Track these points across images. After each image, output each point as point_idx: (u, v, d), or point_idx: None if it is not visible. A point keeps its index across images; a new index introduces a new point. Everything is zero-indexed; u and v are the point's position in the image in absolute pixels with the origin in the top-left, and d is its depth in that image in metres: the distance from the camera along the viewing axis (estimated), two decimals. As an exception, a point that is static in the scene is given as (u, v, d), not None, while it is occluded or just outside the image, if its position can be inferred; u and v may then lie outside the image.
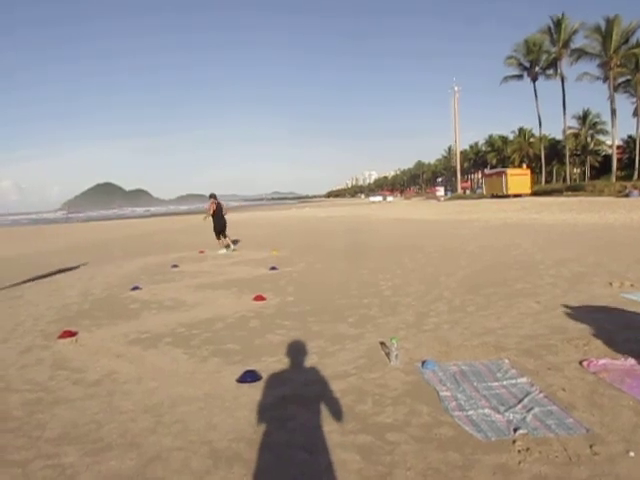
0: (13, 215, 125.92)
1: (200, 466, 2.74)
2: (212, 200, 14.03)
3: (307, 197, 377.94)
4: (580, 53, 50.44)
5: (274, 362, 4.35)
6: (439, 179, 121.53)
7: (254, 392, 3.71)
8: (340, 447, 2.83)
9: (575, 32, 51.68)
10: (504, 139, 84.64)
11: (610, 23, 47.05)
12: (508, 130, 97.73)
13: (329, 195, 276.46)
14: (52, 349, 5.14)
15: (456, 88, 69.81)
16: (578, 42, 51.37)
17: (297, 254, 12.07)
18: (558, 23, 52.58)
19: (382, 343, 4.62)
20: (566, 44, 52.23)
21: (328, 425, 3.11)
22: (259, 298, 6.91)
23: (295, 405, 3.43)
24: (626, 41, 47.40)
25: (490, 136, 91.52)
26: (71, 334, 5.56)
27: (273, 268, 9.77)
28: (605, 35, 47.24)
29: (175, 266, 10.93)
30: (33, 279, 10.11)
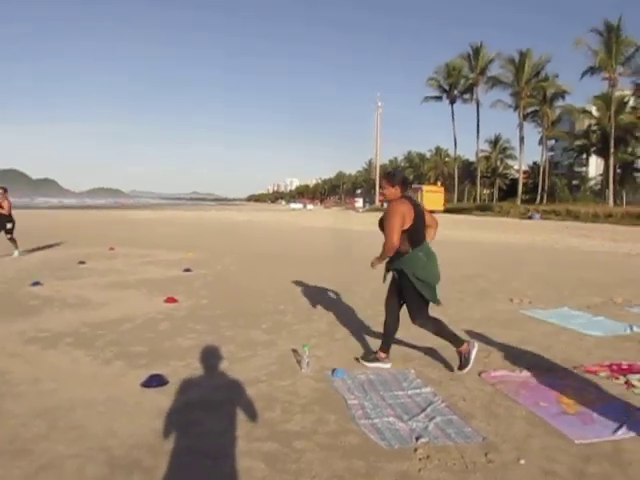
0: None
1: (96, 474, 2.60)
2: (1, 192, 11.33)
3: (227, 199, 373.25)
4: (495, 81, 53.84)
5: (182, 366, 4.23)
6: (358, 190, 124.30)
7: (159, 397, 3.58)
8: (246, 454, 2.80)
9: (491, 61, 55.17)
10: (422, 156, 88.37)
11: (523, 56, 50.57)
12: (426, 148, 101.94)
13: (250, 199, 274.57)
14: None
15: (380, 103, 71.88)
16: (494, 71, 54.77)
17: (214, 257, 11.86)
18: (477, 51, 55.82)
19: (294, 350, 4.63)
20: (483, 71, 55.56)
21: (235, 432, 3.07)
22: (171, 300, 6.71)
23: (202, 411, 3.35)
24: (537, 74, 51.07)
25: (409, 152, 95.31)
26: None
27: (187, 270, 9.53)
28: (518, 67, 50.71)
29: (82, 262, 10.37)
30: None
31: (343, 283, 8.54)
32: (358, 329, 5.55)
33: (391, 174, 4.14)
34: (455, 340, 4.20)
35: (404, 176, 4.18)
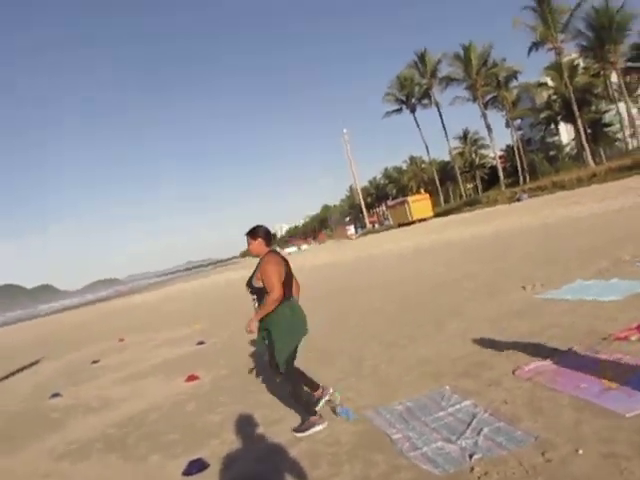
0: None
1: None
2: None
3: (222, 260, 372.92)
4: (447, 80, 54.89)
5: (219, 444, 4.13)
6: (347, 218, 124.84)
7: (203, 482, 3.49)
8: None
9: (439, 62, 56.33)
10: (399, 170, 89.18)
11: (467, 50, 51.70)
12: (401, 160, 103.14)
13: (244, 255, 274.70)
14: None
15: (344, 130, 73.02)
16: (444, 71, 55.91)
17: (219, 324, 11.74)
18: (422, 57, 57.07)
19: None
20: (433, 74, 56.70)
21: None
22: (191, 378, 6.60)
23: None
24: (484, 63, 52.12)
25: (386, 169, 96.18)
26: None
27: (201, 343, 9.41)
28: (465, 61, 51.79)
29: (95, 361, 10.24)
30: None
31: (355, 315, 8.47)
32: (381, 362, 5.45)
33: (252, 229, 4.11)
34: (311, 385, 4.18)
35: (265, 229, 4.12)
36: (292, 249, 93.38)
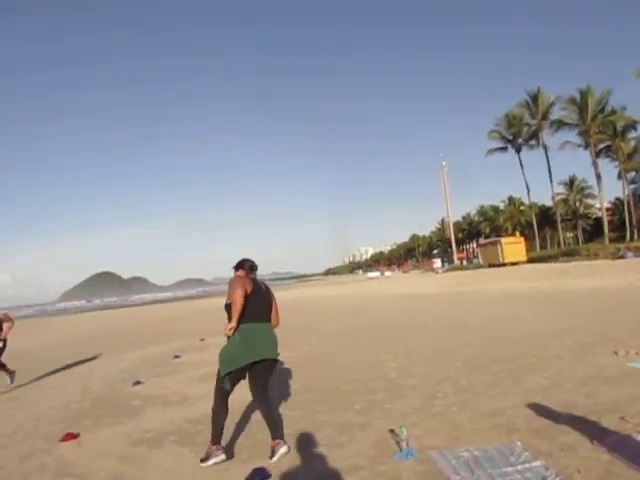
0: (10, 309, 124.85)
1: None
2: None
3: (305, 276, 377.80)
4: (559, 124, 52.67)
5: (282, 458, 4.25)
6: (435, 251, 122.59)
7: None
8: None
9: (552, 104, 54.23)
10: (495, 208, 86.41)
11: (584, 94, 49.49)
12: (498, 199, 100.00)
13: (327, 273, 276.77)
14: (54, 453, 5.01)
15: (444, 163, 72.12)
16: (556, 113, 53.78)
17: (298, 337, 11.98)
18: (535, 97, 55.28)
19: (391, 431, 4.54)
20: (545, 116, 54.64)
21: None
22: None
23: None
24: (602, 109, 49.62)
25: (482, 206, 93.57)
26: (73, 436, 5.44)
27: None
28: (581, 106, 49.55)
29: (177, 357, 10.81)
30: (30, 381, 9.95)
31: (431, 353, 8.35)
32: (453, 404, 5.36)
33: (237, 263, 4.50)
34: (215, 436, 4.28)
35: (247, 261, 4.49)
36: (375, 274, 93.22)
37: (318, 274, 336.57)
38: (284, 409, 5.79)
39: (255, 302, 4.26)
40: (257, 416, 5.60)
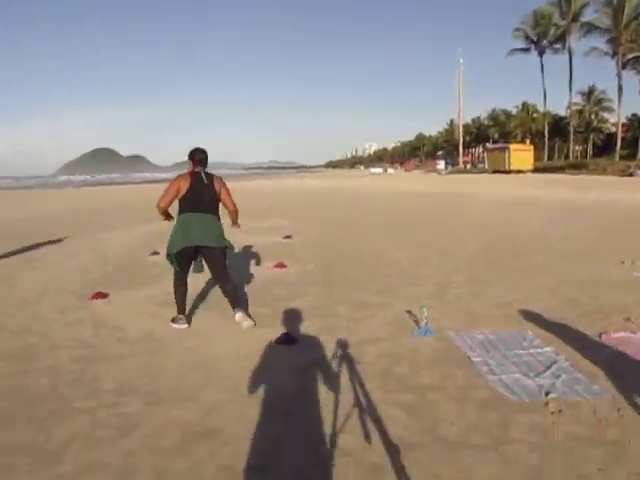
0: (7, 178, 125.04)
1: (255, 417, 2.95)
2: None
3: (306, 167, 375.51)
4: (590, 27, 49.83)
5: (307, 326, 4.55)
6: (439, 152, 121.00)
7: (292, 354, 3.91)
8: (385, 404, 3.05)
9: (586, 5, 50.96)
10: (507, 114, 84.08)
11: (622, -3, 46.35)
12: (511, 104, 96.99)
13: (328, 166, 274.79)
14: (87, 309, 5.33)
15: (461, 60, 69.11)
16: (588, 16, 50.71)
17: (307, 224, 12.25)
18: (569, -5, 51.77)
19: (409, 312, 4.82)
20: (576, 17, 51.51)
21: (369, 384, 3.32)
22: (280, 265, 7.10)
23: (334, 367, 3.64)
24: (637, 16, 46.80)
25: (493, 110, 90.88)
26: (103, 295, 5.74)
27: (288, 237, 9.96)
28: (616, 9, 46.61)
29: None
30: (46, 242, 10.24)
31: (441, 247, 8.61)
32: (467, 291, 5.65)
33: (189, 153, 4.73)
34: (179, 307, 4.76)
35: (197, 154, 4.66)
36: (378, 170, 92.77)
37: (318, 166, 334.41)
38: (301, 285, 6.07)
39: (192, 195, 4.51)
40: (273, 289, 5.92)
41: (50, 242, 10.20)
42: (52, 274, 7.17)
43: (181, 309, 4.74)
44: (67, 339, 4.39)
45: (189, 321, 4.79)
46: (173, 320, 4.70)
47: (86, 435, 2.80)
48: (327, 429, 2.80)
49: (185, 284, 4.77)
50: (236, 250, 8.58)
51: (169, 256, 4.62)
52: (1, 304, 5.57)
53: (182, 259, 4.60)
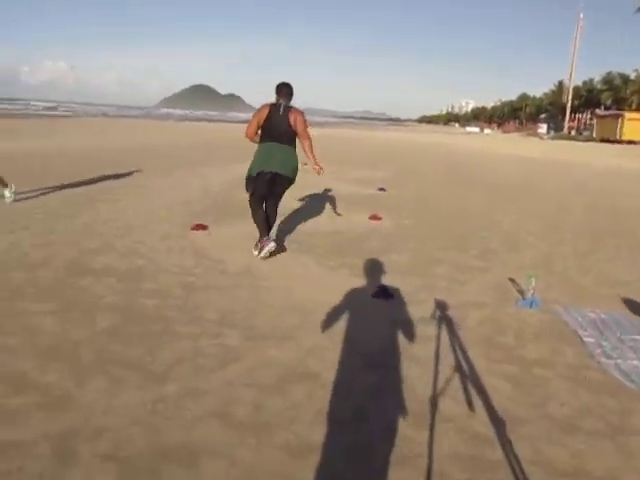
0: (111, 106, 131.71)
1: (353, 366, 2.92)
2: None
3: (399, 120, 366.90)
4: None
5: (404, 282, 4.41)
6: (542, 115, 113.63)
7: (389, 309, 3.82)
8: (488, 373, 2.91)
9: None
10: (625, 78, 76.95)
11: None
12: (630, 68, 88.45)
13: (421, 121, 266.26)
14: (189, 239, 5.50)
15: (581, 15, 63.48)
16: None
17: (402, 177, 11.96)
18: None
19: (512, 279, 4.58)
20: None
21: (471, 350, 3.18)
22: (374, 217, 6.97)
23: (434, 327, 3.51)
24: None
25: (608, 73, 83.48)
26: (203, 227, 5.91)
27: (382, 189, 9.75)
28: None
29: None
30: (152, 172, 10.67)
31: (545, 215, 8.11)
32: (574, 265, 5.28)
33: (276, 86, 4.96)
34: (261, 231, 4.95)
35: (279, 85, 4.94)
36: (474, 129, 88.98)
37: (411, 120, 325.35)
38: (398, 240, 5.93)
39: (269, 125, 4.82)
40: (368, 241, 5.81)
41: (155, 173, 10.63)
42: (156, 202, 7.46)
43: (263, 232, 4.94)
44: (171, 265, 4.55)
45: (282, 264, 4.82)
46: (261, 248, 4.87)
47: (189, 360, 2.89)
48: (426, 390, 2.71)
49: (262, 208, 5.01)
50: (330, 198, 8.55)
51: (247, 180, 4.98)
52: (110, 225, 5.87)
53: (258, 183, 4.88)
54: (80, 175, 9.25)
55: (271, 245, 4.86)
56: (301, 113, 4.91)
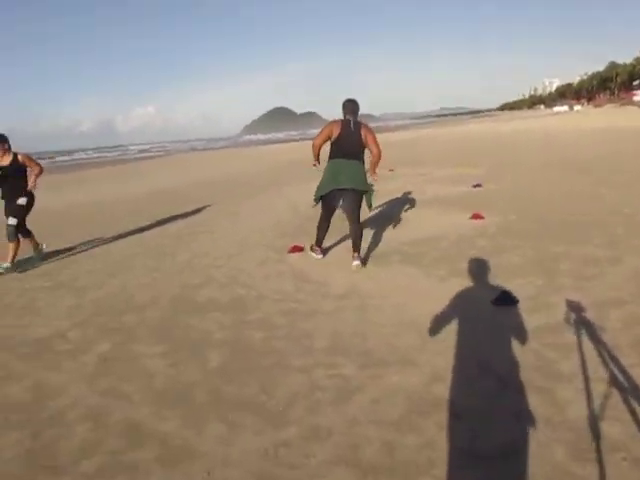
0: (201, 140, 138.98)
1: (487, 389, 2.58)
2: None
3: (479, 111, 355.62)
4: None
5: (524, 284, 4.00)
6: (636, 82, 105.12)
7: (515, 316, 3.42)
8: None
9: None
10: None
11: None
12: None
13: (503, 108, 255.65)
14: (286, 262, 5.38)
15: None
16: None
17: (494, 171, 11.25)
18: None
19: (651, 268, 4.01)
20: None
21: (625, 358, 2.73)
22: (477, 216, 6.51)
23: (569, 333, 3.08)
24: None
25: None
26: (299, 249, 5.77)
27: (477, 185, 9.19)
28: None
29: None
30: (241, 197, 10.82)
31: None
32: None
33: (342, 103, 5.05)
34: (318, 240, 5.41)
35: (345, 103, 5.02)
36: (562, 108, 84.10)
37: (492, 109, 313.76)
38: (506, 238, 5.46)
39: (340, 142, 4.89)
40: (475, 242, 5.38)
41: (243, 198, 10.79)
42: (249, 227, 7.47)
43: (319, 242, 5.38)
44: (272, 292, 4.43)
45: (385, 276, 4.56)
46: (311, 249, 5.43)
47: (306, 396, 2.70)
48: (580, 413, 2.33)
49: (329, 223, 5.29)
50: (425, 201, 8.17)
51: (317, 198, 5.15)
52: (208, 257, 5.89)
53: (328, 200, 5.08)
54: (173, 211, 9.55)
55: (355, 263, 4.93)
56: (370, 127, 5.05)
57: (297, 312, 3.90)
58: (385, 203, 8.38)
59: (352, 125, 4.88)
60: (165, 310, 4.21)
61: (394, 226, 6.64)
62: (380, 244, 5.77)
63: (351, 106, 4.99)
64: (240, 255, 5.87)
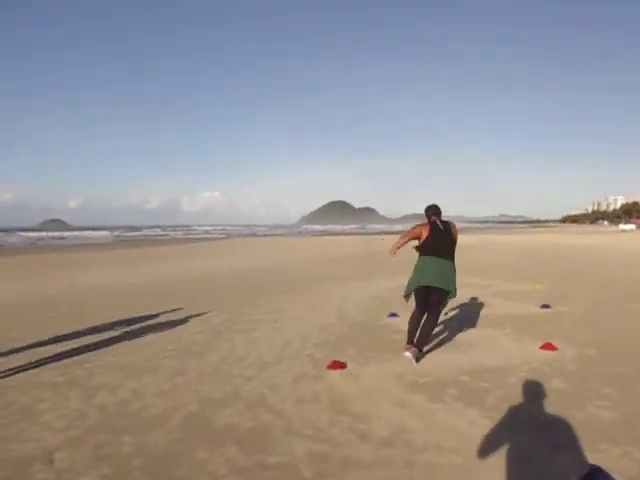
0: (262, 226, 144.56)
1: None
2: None
3: (539, 221, 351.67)
4: None
5: (619, 456, 3.12)
6: None
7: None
8: None
9: None
10: None
11: None
12: None
13: (565, 220, 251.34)
14: (324, 381, 4.67)
15: None
16: None
17: (565, 290, 10.29)
18: None
19: None
20: None
21: None
22: (548, 347, 5.62)
23: None
24: None
25: None
26: (341, 365, 5.07)
27: (545, 306, 8.26)
28: None
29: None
30: (290, 292, 10.32)
31: None
32: None
33: (425, 209, 5.57)
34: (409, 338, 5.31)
35: (427, 208, 5.55)
36: (629, 226, 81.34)
37: (553, 220, 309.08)
38: (587, 380, 4.56)
39: (432, 242, 5.31)
40: (549, 381, 4.48)
41: (293, 292, 10.30)
42: (291, 330, 6.86)
43: (410, 339, 5.29)
44: (303, 423, 3.72)
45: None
46: (404, 351, 5.24)
47: None
48: None
49: (420, 319, 5.34)
50: (490, 320, 7.34)
51: (407, 294, 5.48)
52: (240, 364, 5.28)
53: (418, 296, 5.35)
54: (218, 299, 9.14)
55: (407, 354, 5.12)
56: (455, 225, 5.54)
57: (327, 459, 3.16)
58: (449, 314, 7.63)
59: (442, 225, 5.36)
60: (173, 434, 3.55)
61: (455, 346, 5.86)
62: (437, 369, 4.98)
63: (435, 209, 5.49)
64: (276, 365, 5.22)
